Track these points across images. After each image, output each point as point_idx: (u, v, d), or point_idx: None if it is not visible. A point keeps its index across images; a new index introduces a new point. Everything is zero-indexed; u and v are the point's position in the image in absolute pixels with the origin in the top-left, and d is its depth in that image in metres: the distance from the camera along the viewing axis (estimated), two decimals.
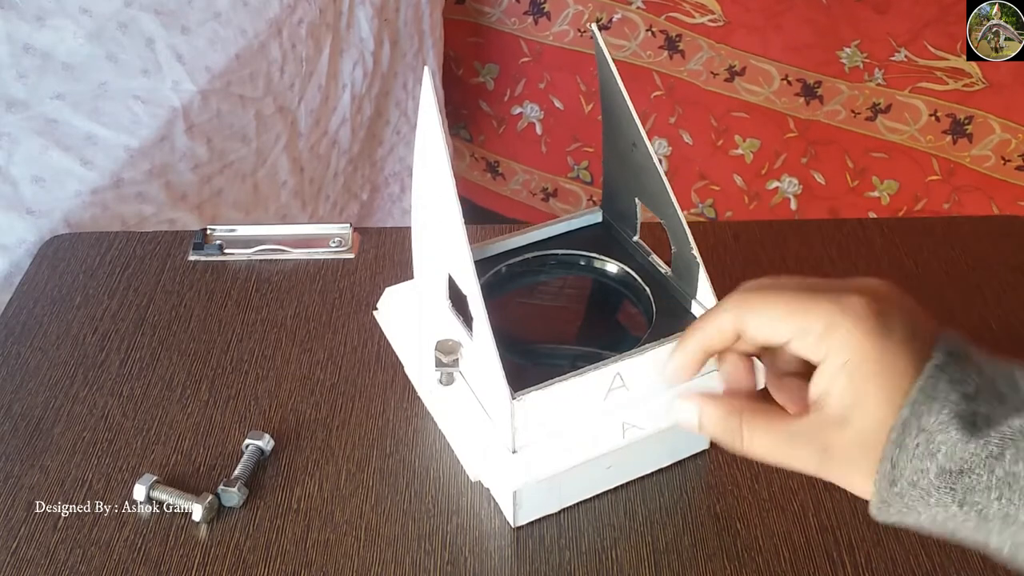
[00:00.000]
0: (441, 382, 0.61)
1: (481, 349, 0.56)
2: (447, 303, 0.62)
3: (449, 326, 0.61)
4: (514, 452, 0.56)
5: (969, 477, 0.43)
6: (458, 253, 0.56)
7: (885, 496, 0.45)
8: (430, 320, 0.64)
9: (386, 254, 0.83)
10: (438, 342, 0.60)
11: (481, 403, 0.59)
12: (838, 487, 0.63)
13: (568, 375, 0.56)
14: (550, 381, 0.56)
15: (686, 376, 0.51)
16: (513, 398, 0.54)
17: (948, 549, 0.61)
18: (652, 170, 0.61)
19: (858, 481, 0.46)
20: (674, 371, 0.52)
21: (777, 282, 0.49)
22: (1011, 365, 0.45)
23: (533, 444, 0.57)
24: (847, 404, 0.46)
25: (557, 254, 0.68)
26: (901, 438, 0.44)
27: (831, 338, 0.46)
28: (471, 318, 0.57)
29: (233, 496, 0.63)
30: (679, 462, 0.66)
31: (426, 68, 0.59)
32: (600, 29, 1.83)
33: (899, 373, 0.45)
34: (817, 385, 0.47)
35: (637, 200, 0.65)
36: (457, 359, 0.59)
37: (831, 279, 0.48)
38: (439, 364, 0.60)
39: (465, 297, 0.57)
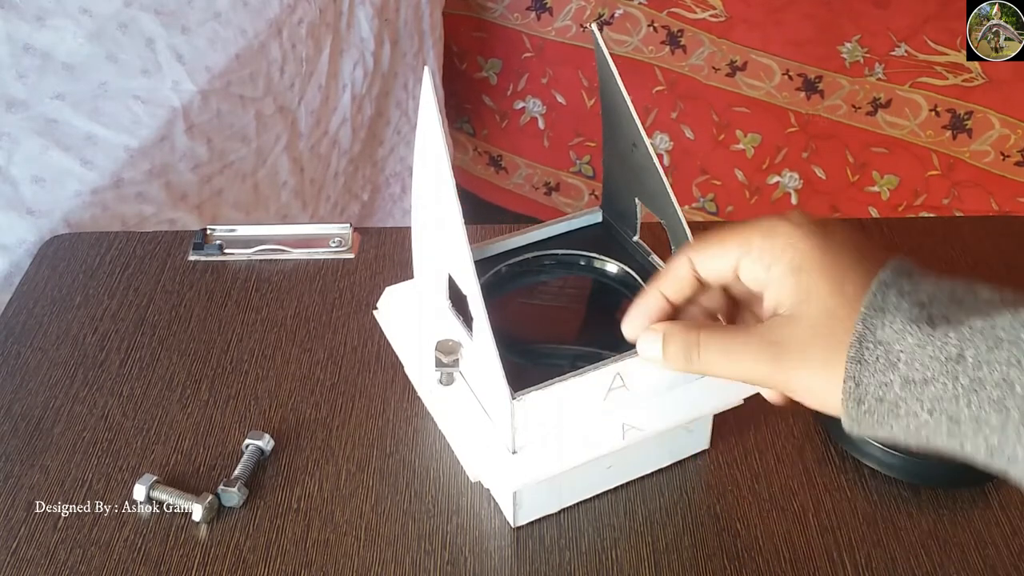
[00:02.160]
0: (441, 382, 0.61)
1: (481, 349, 0.56)
2: (447, 303, 0.62)
3: (449, 326, 0.61)
4: (514, 452, 0.56)
5: (934, 387, 0.42)
6: (458, 253, 0.56)
7: (854, 415, 0.44)
8: (430, 320, 0.64)
9: (386, 254, 0.83)
10: (438, 342, 0.60)
11: (481, 403, 0.59)
12: (838, 488, 0.64)
13: (568, 375, 0.56)
14: (550, 381, 0.56)
15: (647, 322, 0.53)
16: (513, 398, 0.54)
17: (948, 549, 0.61)
18: (652, 170, 0.61)
19: (810, 377, 0.46)
20: (635, 317, 0.53)
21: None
22: (967, 282, 0.45)
23: (533, 444, 0.57)
24: (797, 301, 0.46)
25: (557, 254, 0.68)
26: (859, 354, 0.44)
27: (773, 245, 0.47)
28: (471, 318, 0.57)
29: (233, 496, 0.63)
30: (679, 462, 0.66)
31: (426, 68, 0.59)
32: (602, 25, 1.82)
33: (845, 268, 0.46)
34: (768, 299, 0.48)
35: (637, 200, 0.65)
36: (457, 359, 0.59)
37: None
38: (439, 364, 0.60)
39: (465, 297, 0.57)
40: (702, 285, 0.52)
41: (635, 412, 0.59)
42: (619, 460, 0.62)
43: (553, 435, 0.57)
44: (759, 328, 0.48)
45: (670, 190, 0.61)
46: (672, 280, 0.52)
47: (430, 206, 0.60)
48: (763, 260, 0.48)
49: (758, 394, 0.62)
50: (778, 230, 0.47)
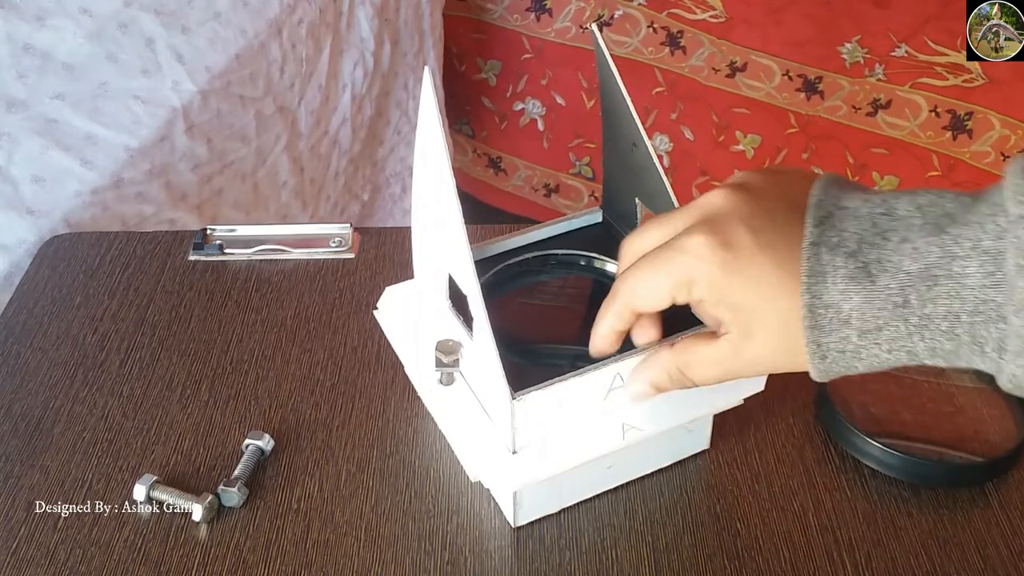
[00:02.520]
0: (441, 382, 0.61)
1: (481, 349, 0.56)
2: (447, 303, 0.61)
3: (449, 326, 0.61)
4: (514, 452, 0.56)
5: (888, 330, 0.46)
6: (458, 253, 0.56)
7: (822, 367, 0.49)
8: (430, 320, 0.64)
9: (386, 254, 0.83)
10: (438, 342, 0.60)
11: (481, 403, 0.59)
12: (838, 488, 0.64)
13: (568, 375, 0.56)
14: (550, 381, 0.56)
15: (610, 353, 0.57)
16: (513, 398, 0.54)
17: (948, 549, 0.61)
18: (652, 170, 0.61)
19: (772, 356, 0.51)
20: (599, 354, 0.57)
21: (641, 246, 0.54)
22: (884, 194, 0.48)
23: (533, 444, 0.57)
24: (743, 323, 0.50)
25: (557, 254, 0.68)
26: (813, 320, 0.47)
27: (697, 289, 0.50)
28: (471, 318, 0.57)
29: (233, 496, 0.63)
30: (679, 462, 0.66)
31: (426, 68, 0.59)
32: (601, 26, 1.82)
33: (777, 263, 0.48)
34: (712, 318, 0.52)
35: (637, 200, 0.65)
36: (457, 359, 0.59)
37: (679, 210, 0.53)
38: (439, 364, 0.60)
39: (465, 297, 0.57)
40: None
41: (635, 412, 0.59)
42: (619, 460, 0.62)
43: (553, 435, 0.57)
44: (723, 348, 0.52)
45: (670, 190, 0.61)
46: (618, 323, 0.56)
47: (430, 206, 0.59)
48: (694, 297, 0.51)
49: (758, 394, 0.62)
50: (697, 278, 0.50)
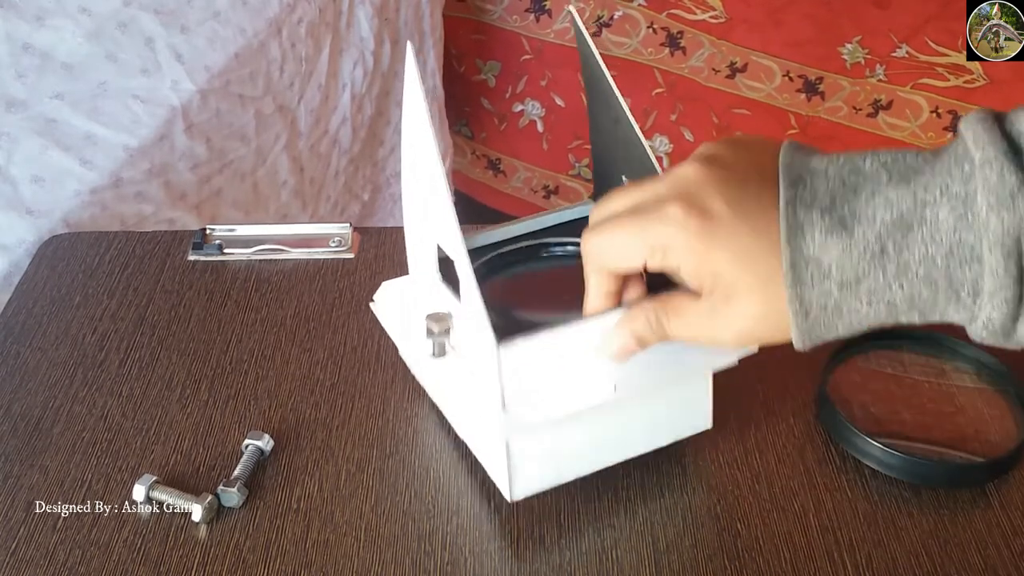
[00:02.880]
0: (433, 354, 0.61)
1: (468, 308, 0.56)
2: (438, 276, 0.62)
3: (440, 300, 0.61)
4: (503, 405, 0.56)
5: (867, 281, 0.47)
6: (443, 215, 0.56)
7: (804, 328, 0.49)
8: (423, 302, 0.64)
9: (386, 254, 0.83)
10: (429, 314, 0.60)
11: (472, 370, 0.59)
12: (839, 488, 0.64)
13: (557, 326, 0.56)
14: (537, 331, 0.56)
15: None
16: (499, 346, 0.54)
17: (948, 549, 0.60)
18: (636, 143, 0.61)
19: (773, 325, 0.51)
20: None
21: (610, 211, 0.55)
22: (846, 154, 0.50)
23: (522, 396, 0.56)
24: (723, 288, 0.51)
25: (550, 242, 0.68)
26: (795, 275, 0.48)
27: (673, 255, 0.51)
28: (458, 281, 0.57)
29: (233, 496, 0.63)
30: (679, 462, 0.66)
31: (408, 44, 0.59)
32: (602, 26, 1.81)
33: (755, 229, 0.49)
34: (691, 281, 0.52)
35: (624, 179, 0.65)
36: (448, 328, 0.60)
37: (651, 180, 0.54)
38: (430, 334, 0.60)
39: (453, 262, 0.57)
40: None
41: (626, 368, 0.58)
42: (615, 430, 0.61)
43: (542, 388, 0.57)
44: (703, 307, 0.52)
45: (655, 162, 0.60)
46: (600, 294, 0.57)
47: (415, 175, 0.60)
48: (670, 264, 0.52)
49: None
50: (673, 245, 0.51)
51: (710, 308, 0.52)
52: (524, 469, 0.60)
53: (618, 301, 0.57)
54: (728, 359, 0.61)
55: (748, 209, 0.50)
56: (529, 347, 0.55)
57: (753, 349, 0.60)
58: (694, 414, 0.65)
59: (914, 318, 0.48)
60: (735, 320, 0.51)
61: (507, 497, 0.61)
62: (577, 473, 0.63)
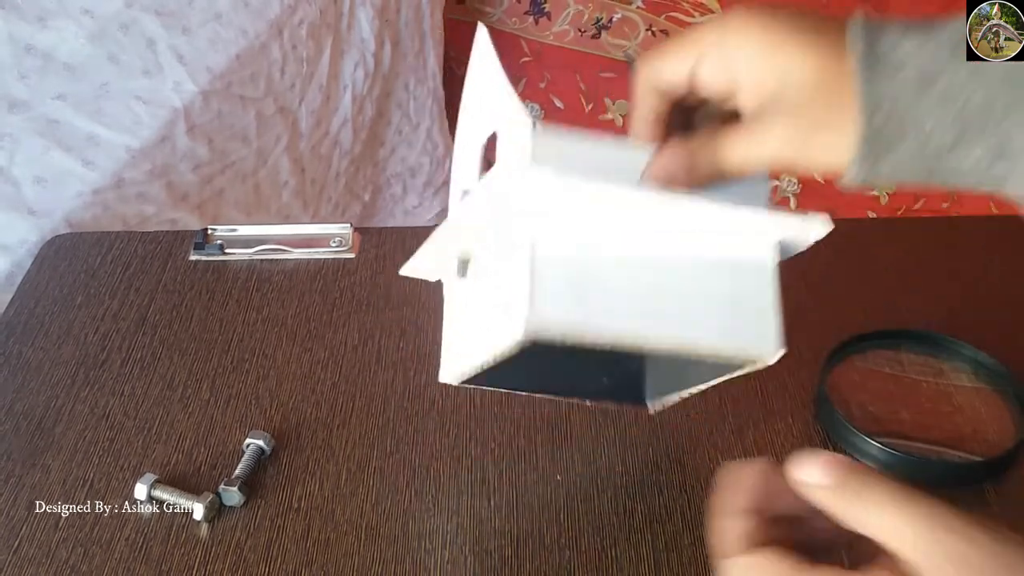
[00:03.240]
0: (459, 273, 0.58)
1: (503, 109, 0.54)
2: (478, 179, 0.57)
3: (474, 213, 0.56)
4: (531, 158, 0.50)
5: (943, 79, 0.43)
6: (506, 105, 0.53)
7: (868, 132, 0.44)
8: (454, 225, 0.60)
9: (387, 254, 0.84)
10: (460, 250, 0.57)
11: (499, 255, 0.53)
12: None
13: (600, 142, 0.52)
14: (578, 135, 0.51)
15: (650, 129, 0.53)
16: (534, 127, 0.50)
17: None
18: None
19: (829, 137, 0.46)
20: (639, 131, 0.53)
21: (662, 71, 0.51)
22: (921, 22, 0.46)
23: (552, 164, 0.49)
24: (777, 70, 0.46)
25: None
26: (868, 65, 0.44)
27: (727, 41, 0.47)
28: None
29: (234, 495, 0.63)
30: (679, 462, 0.66)
31: (480, 25, 0.57)
32: (601, 28, 1.81)
33: (818, 30, 0.46)
34: (746, 96, 0.48)
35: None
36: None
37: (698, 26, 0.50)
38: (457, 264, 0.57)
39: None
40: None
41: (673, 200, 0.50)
42: (659, 290, 0.51)
43: (575, 160, 0.51)
44: (754, 122, 0.48)
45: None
46: (647, 97, 0.52)
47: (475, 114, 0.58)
48: (724, 63, 0.48)
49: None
50: (729, 28, 0.47)
51: (779, 116, 0.47)
52: (547, 285, 0.48)
53: (664, 131, 0.52)
54: (795, 223, 0.53)
55: (815, 29, 0.46)
56: (564, 138, 0.51)
57: (828, 226, 0.53)
58: (760, 329, 0.51)
59: (986, 151, 0.43)
60: (780, 131, 0.47)
61: (522, 320, 0.47)
62: (607, 327, 0.49)
